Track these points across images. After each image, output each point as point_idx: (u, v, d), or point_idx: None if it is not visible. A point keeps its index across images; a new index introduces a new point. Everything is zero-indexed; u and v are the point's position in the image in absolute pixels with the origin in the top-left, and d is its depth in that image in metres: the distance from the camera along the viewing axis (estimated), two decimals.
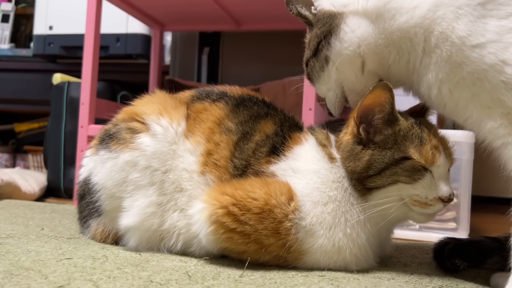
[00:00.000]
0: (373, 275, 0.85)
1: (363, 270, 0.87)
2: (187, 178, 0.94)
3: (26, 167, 2.79)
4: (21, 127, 2.84)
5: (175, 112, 0.99)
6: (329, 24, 0.86)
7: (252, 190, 0.85)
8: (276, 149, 0.94)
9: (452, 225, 1.47)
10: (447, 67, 0.76)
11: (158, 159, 0.94)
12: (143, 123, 0.97)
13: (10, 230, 1.09)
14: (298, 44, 1.43)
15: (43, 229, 1.14)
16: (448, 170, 0.89)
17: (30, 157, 2.74)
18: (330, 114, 0.98)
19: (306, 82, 1.47)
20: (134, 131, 0.97)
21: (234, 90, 1.06)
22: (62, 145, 2.02)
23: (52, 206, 1.62)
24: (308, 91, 1.50)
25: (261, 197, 0.84)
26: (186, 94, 1.07)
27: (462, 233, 1.44)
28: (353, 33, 0.84)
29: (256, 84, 2.09)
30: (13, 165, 2.85)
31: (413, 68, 0.83)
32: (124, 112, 1.03)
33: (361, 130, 0.87)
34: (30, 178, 1.96)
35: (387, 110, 0.86)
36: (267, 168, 0.92)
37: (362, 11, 0.83)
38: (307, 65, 0.96)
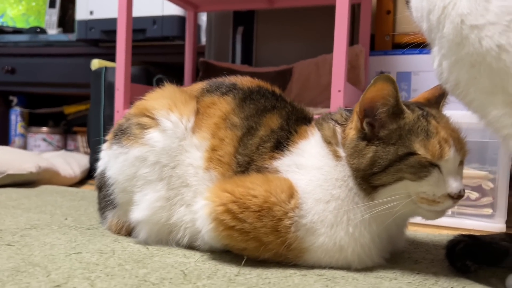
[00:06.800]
0: (375, 275, 0.83)
1: (367, 268, 0.85)
2: (192, 173, 0.94)
3: (76, 147, 2.92)
4: (69, 109, 2.96)
5: (184, 107, 0.99)
6: None
7: (252, 187, 0.85)
8: (281, 144, 0.92)
9: (488, 211, 1.40)
10: (447, 44, 0.72)
11: (167, 154, 0.95)
12: (152, 118, 0.98)
13: (36, 220, 1.15)
14: (332, 20, 1.38)
15: (66, 219, 1.19)
16: (462, 163, 0.84)
17: (79, 137, 2.87)
18: None
19: (335, 61, 1.40)
20: (143, 127, 0.98)
21: (244, 81, 1.04)
22: (102, 129, 2.10)
23: (84, 192, 1.68)
24: (337, 72, 1.38)
25: (260, 194, 0.83)
26: (197, 86, 1.07)
27: (499, 220, 1.37)
28: None
29: (291, 63, 2.05)
30: (65, 146, 2.99)
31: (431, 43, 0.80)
32: (136, 106, 1.04)
33: (364, 124, 0.84)
34: (73, 161, 2.05)
35: (391, 103, 0.82)
36: (271, 164, 0.91)
37: None
38: None
